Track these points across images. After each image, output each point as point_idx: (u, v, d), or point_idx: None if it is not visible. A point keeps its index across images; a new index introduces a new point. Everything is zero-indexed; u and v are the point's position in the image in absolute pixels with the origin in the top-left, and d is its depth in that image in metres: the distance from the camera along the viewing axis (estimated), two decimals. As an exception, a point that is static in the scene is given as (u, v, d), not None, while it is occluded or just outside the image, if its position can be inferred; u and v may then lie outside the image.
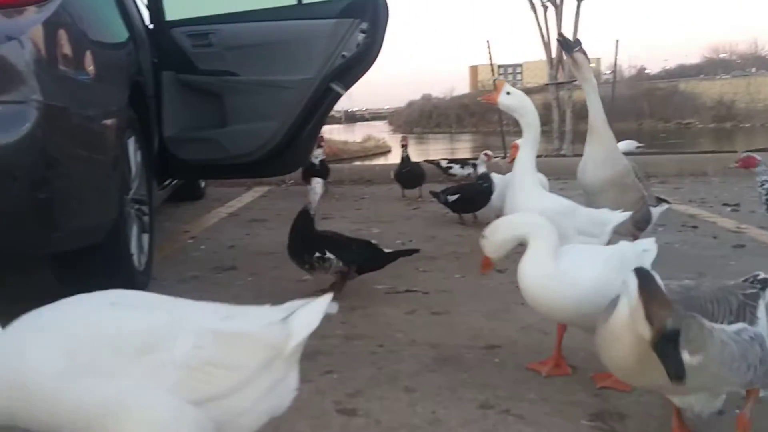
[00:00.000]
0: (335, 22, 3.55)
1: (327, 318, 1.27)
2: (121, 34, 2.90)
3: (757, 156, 3.63)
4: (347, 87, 3.73)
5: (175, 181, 4.42)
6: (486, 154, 4.64)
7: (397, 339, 2.32)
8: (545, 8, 12.65)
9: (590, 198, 3.06)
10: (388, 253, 2.83)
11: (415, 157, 5.97)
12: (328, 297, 1.27)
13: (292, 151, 3.80)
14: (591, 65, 3.19)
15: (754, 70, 49.84)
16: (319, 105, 3.71)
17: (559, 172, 6.18)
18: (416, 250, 3.04)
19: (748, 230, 4.12)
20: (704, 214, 4.71)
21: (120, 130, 2.52)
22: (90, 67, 2.23)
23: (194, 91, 3.75)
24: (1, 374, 1.05)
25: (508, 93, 2.71)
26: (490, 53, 9.37)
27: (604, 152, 3.03)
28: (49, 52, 1.94)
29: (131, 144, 2.84)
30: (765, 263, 2.64)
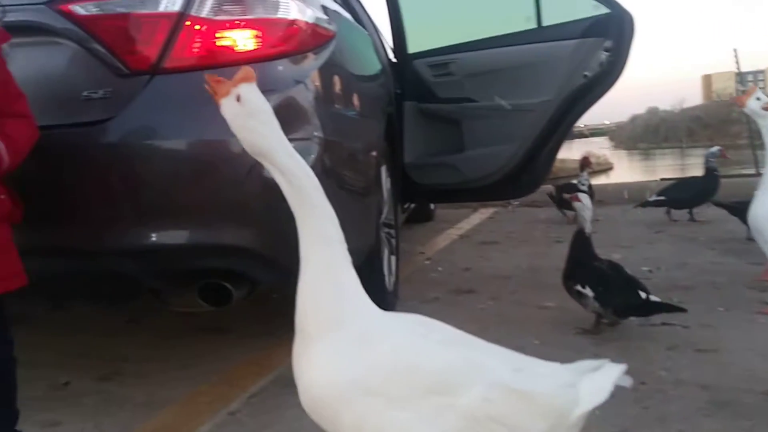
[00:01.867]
0: (577, 42, 3.48)
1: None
2: (376, 69, 3.11)
3: None
4: (589, 106, 3.63)
5: (412, 205, 4.63)
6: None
7: (661, 377, 2.17)
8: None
9: None
10: (656, 303, 2.49)
11: (641, 174, 5.52)
12: (621, 367, 1.17)
13: (529, 173, 3.79)
14: None
15: None
16: (558, 126, 3.66)
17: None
18: (683, 309, 2.55)
19: None
20: None
21: (378, 160, 2.69)
22: (356, 103, 2.42)
23: (433, 119, 3.90)
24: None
25: (758, 99, 2.72)
26: (737, 62, 8.54)
27: None
28: (326, 93, 2.13)
29: (383, 171, 3.01)
30: None
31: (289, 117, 1.93)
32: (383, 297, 2.82)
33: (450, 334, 1.23)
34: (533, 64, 3.58)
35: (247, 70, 1.20)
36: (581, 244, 2.64)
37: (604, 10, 3.46)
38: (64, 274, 1.87)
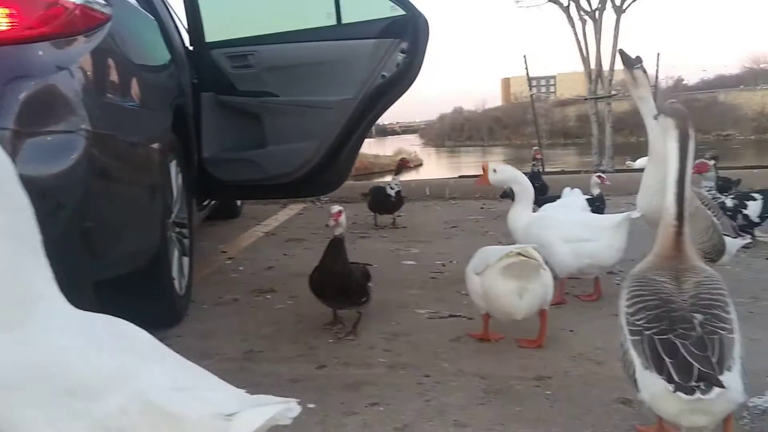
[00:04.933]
0: (375, 42, 3.53)
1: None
2: (164, 57, 2.92)
3: (709, 162, 4.13)
4: (388, 106, 3.71)
5: (213, 202, 4.44)
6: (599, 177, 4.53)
7: (444, 369, 2.26)
8: (584, 22, 12.53)
9: (651, 227, 2.92)
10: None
11: (448, 170, 5.84)
12: (281, 407, 1.05)
13: (331, 171, 3.79)
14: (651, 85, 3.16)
15: (796, 80, 48.58)
16: (359, 125, 3.69)
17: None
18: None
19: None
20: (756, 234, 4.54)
21: (163, 155, 2.52)
22: (135, 93, 2.23)
23: (233, 112, 3.76)
24: None
25: (494, 171, 3.21)
26: (527, 67, 9.32)
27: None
28: (97, 81, 1.94)
29: (173, 167, 2.83)
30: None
31: (49, 107, 1.73)
32: (172, 301, 2.67)
33: (130, 341, 1.14)
34: (333, 62, 3.57)
35: None
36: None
37: (399, 11, 3.55)
38: None
